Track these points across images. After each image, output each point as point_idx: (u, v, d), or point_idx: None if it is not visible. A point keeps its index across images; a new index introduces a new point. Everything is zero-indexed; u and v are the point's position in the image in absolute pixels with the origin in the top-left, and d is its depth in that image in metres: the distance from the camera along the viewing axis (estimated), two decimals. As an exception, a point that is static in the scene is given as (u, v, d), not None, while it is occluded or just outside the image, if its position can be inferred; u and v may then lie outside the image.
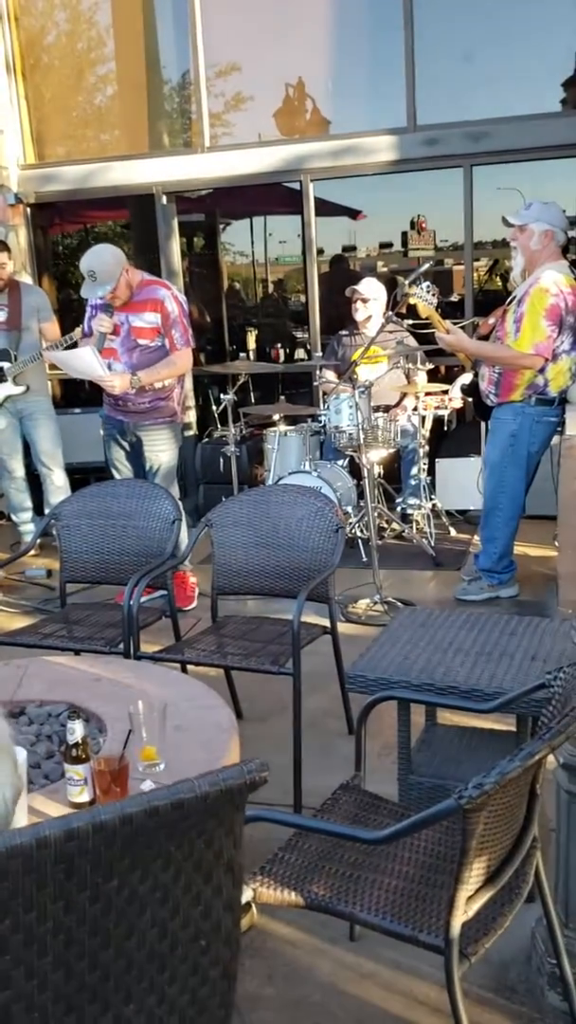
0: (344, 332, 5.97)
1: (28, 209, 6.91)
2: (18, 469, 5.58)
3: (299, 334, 8.83)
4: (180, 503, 4.68)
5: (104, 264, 4.24)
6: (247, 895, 1.80)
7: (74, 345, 4.76)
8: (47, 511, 5.04)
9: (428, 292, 4.44)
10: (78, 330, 4.79)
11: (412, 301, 4.49)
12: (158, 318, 4.39)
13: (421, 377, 5.63)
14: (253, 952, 2.27)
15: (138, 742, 2.01)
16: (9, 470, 5.55)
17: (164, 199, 6.64)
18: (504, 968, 2.18)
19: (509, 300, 4.35)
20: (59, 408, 6.09)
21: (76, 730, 1.92)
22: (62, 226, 8.51)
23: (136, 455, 4.66)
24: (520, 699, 2.10)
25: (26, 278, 6.63)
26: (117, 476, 4.72)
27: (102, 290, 4.26)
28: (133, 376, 4.35)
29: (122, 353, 4.42)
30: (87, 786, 1.91)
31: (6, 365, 5.28)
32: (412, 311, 4.70)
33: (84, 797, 1.91)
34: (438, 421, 5.78)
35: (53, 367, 5.73)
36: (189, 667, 3.18)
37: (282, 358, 8.35)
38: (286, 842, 1.95)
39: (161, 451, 4.58)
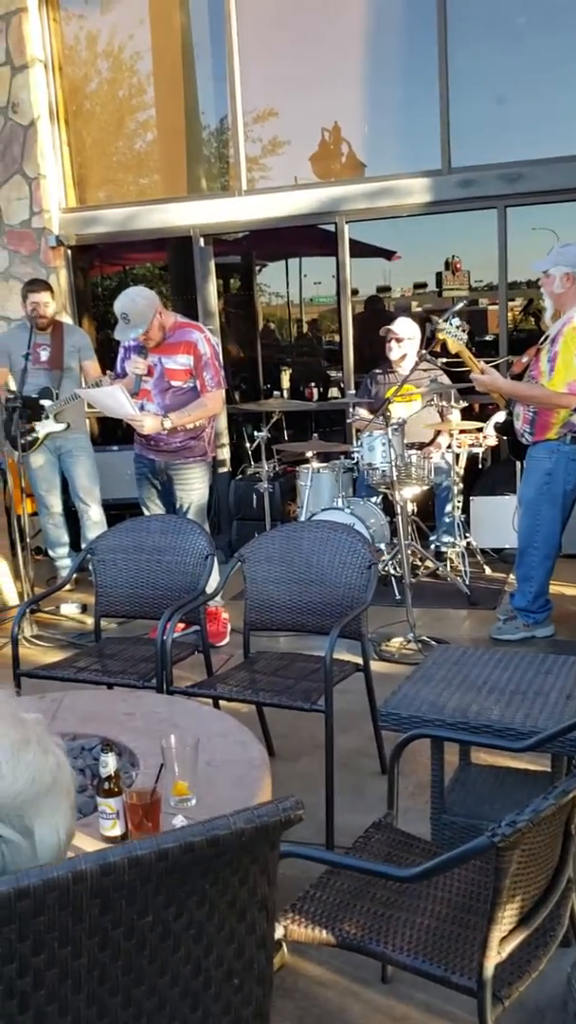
0: (378, 370, 6.00)
1: (69, 251, 7.06)
2: (56, 505, 5.66)
3: (333, 373, 8.89)
4: (212, 540, 4.72)
5: (136, 307, 4.32)
6: (278, 933, 1.79)
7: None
8: (83, 546, 5.09)
9: (458, 328, 4.46)
10: (109, 373, 4.88)
11: (441, 337, 4.51)
12: (191, 360, 4.46)
13: (455, 415, 5.64)
14: (284, 992, 2.25)
15: (170, 777, 2.02)
16: (47, 506, 5.63)
17: (201, 241, 6.75)
18: (539, 1014, 2.14)
19: (542, 339, 4.36)
20: (97, 446, 6.17)
21: (109, 764, 1.93)
22: (102, 268, 8.68)
23: (167, 493, 4.71)
24: (555, 738, 2.09)
25: (66, 319, 6.76)
26: (148, 515, 4.77)
27: (135, 332, 4.34)
28: (164, 418, 4.43)
29: (156, 394, 4.50)
30: (119, 820, 1.92)
31: (48, 403, 5.37)
32: (446, 349, 4.73)
33: (116, 831, 1.92)
34: (472, 459, 5.78)
35: (92, 404, 5.81)
36: (221, 703, 3.19)
37: (315, 396, 8.41)
38: (317, 879, 1.94)
39: (192, 489, 4.64)
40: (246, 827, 1.09)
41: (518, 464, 5.05)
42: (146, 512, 4.76)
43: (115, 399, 4.40)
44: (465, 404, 5.80)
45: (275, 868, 1.17)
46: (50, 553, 5.79)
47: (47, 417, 5.37)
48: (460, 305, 4.65)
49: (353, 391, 6.34)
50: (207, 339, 4.52)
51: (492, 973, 1.59)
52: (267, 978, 1.21)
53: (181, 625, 3.56)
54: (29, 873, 0.97)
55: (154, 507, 4.76)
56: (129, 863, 1.02)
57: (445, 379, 5.68)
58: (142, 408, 4.50)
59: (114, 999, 1.09)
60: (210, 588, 3.62)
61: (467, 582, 5.30)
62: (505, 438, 4.85)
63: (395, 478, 4.76)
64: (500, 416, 4.94)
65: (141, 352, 4.46)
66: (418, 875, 1.65)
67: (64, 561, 5.71)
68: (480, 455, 5.76)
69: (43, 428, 5.39)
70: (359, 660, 3.23)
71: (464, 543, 5.53)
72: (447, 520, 5.59)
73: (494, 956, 1.59)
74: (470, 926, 1.78)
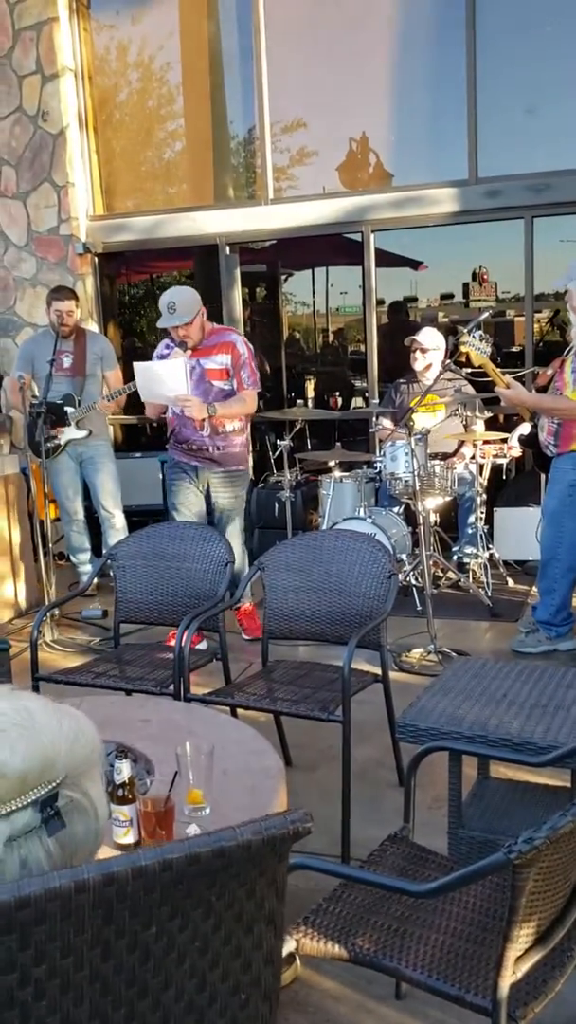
0: (402, 380, 5.98)
1: (96, 259, 7.09)
2: (78, 511, 5.67)
3: (358, 382, 8.88)
4: (246, 550, 4.76)
5: (184, 298, 4.46)
6: (291, 946, 1.77)
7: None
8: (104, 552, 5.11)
9: (481, 341, 4.43)
10: (130, 385, 4.93)
11: (464, 350, 4.49)
12: (228, 359, 4.58)
13: (479, 425, 5.60)
14: (297, 1006, 2.22)
15: (185, 784, 2.00)
16: (69, 512, 5.65)
17: (228, 250, 6.77)
18: (556, 1036, 2.10)
19: (567, 351, 4.32)
20: (119, 452, 6.18)
21: (123, 770, 1.92)
22: (128, 275, 8.71)
23: (206, 501, 4.78)
24: (575, 754, 2.05)
25: (92, 326, 6.79)
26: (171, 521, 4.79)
27: (179, 320, 4.43)
28: (209, 405, 4.50)
29: (197, 395, 4.60)
30: (133, 827, 1.91)
31: (70, 410, 5.39)
32: (471, 361, 4.70)
33: (129, 838, 1.91)
34: (496, 470, 5.73)
35: (116, 411, 5.84)
36: (239, 711, 3.17)
37: (340, 405, 8.39)
38: (331, 893, 1.92)
39: (233, 496, 4.75)
40: (253, 839, 1.07)
41: (543, 476, 5.01)
42: (176, 517, 4.79)
43: (176, 373, 4.43)
44: (490, 415, 5.76)
45: (283, 882, 1.15)
46: (72, 559, 5.81)
47: (69, 424, 5.40)
48: (485, 315, 4.62)
49: (377, 400, 6.32)
50: (244, 341, 4.69)
51: (507, 993, 1.55)
52: (274, 995, 1.19)
53: (196, 638, 3.56)
54: (31, 882, 0.96)
55: (186, 513, 4.77)
56: (133, 873, 1.00)
57: (470, 389, 5.64)
58: (182, 411, 4.59)
59: (117, 1012, 1.07)
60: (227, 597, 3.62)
61: (489, 594, 5.26)
62: (530, 450, 4.81)
63: (418, 488, 4.73)
64: (525, 428, 4.90)
65: (182, 348, 4.53)
66: (432, 891, 1.62)
67: (86, 567, 5.73)
68: (504, 466, 5.72)
69: (65, 435, 5.41)
70: (378, 671, 3.21)
71: (487, 554, 5.48)
72: (470, 531, 5.55)
73: (509, 976, 1.55)
74: (486, 944, 1.74)
